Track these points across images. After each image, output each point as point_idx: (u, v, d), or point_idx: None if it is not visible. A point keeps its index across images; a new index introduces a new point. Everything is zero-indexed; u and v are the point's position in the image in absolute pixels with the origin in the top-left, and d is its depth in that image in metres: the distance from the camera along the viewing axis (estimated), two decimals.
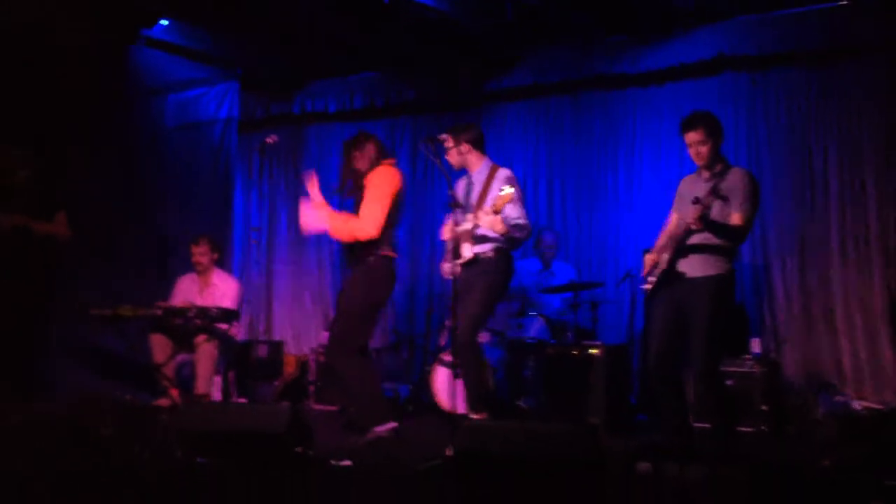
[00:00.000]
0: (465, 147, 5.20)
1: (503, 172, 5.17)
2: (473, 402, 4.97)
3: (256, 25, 7.08)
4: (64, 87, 6.57)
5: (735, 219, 4.51)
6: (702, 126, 4.61)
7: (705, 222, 4.39)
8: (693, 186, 4.72)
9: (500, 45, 7.49)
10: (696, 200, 4.37)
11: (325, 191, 5.28)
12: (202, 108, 8.07)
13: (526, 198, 7.84)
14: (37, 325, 5.94)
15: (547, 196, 7.82)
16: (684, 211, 4.66)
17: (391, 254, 5.11)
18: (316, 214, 5.11)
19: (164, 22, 7.08)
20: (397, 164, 8.27)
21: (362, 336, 5.16)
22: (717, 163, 4.66)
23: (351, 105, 8.44)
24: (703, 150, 4.61)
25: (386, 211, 4.98)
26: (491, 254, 5.06)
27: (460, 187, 5.25)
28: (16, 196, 5.99)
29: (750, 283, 6.82)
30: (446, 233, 5.19)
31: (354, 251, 5.07)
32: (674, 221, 4.88)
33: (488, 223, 4.87)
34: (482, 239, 5.04)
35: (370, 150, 5.13)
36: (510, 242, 5.10)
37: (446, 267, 5.22)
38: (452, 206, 4.86)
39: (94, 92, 6.86)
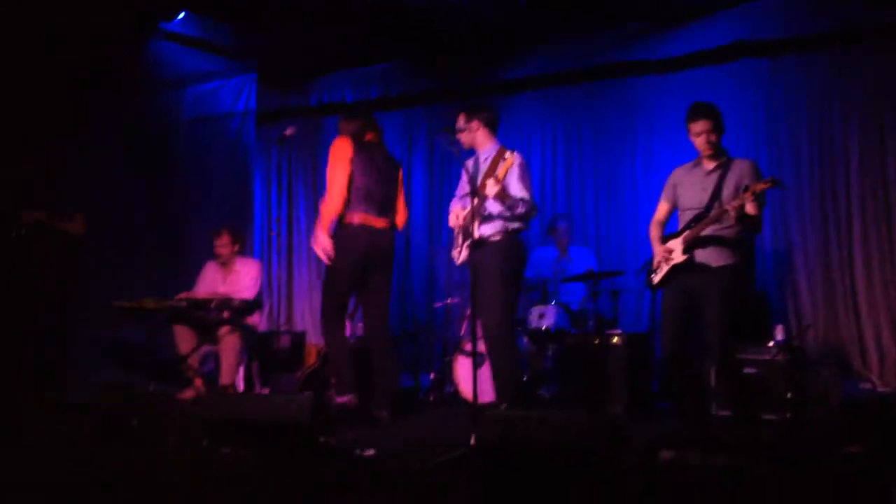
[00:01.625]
0: (475, 125, 5.17)
1: (508, 153, 5.15)
2: (502, 395, 4.95)
3: (273, 17, 7.08)
4: (84, 81, 6.61)
5: (749, 209, 4.51)
6: (713, 115, 4.61)
7: (740, 213, 4.38)
8: (691, 176, 4.71)
9: (515, 33, 7.47)
10: (747, 188, 4.36)
11: None
12: (219, 100, 8.10)
13: (544, 187, 7.86)
14: (59, 318, 6.00)
15: (565, 185, 7.81)
16: (687, 200, 4.66)
17: (356, 219, 5.17)
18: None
19: (182, 14, 7.10)
20: (412, 154, 8.45)
21: (336, 302, 5.23)
22: (722, 154, 4.66)
23: (367, 96, 8.44)
24: (713, 138, 4.61)
25: (341, 180, 5.13)
26: (498, 237, 5.00)
27: (467, 169, 5.22)
28: (37, 195, 6.07)
29: (772, 270, 6.79)
30: (454, 220, 5.17)
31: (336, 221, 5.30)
32: (663, 210, 4.87)
33: (493, 193, 4.82)
34: (489, 218, 5.00)
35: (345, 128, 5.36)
36: (517, 220, 5.05)
37: (455, 254, 5.19)
38: (472, 194, 4.84)
39: (113, 86, 6.89)
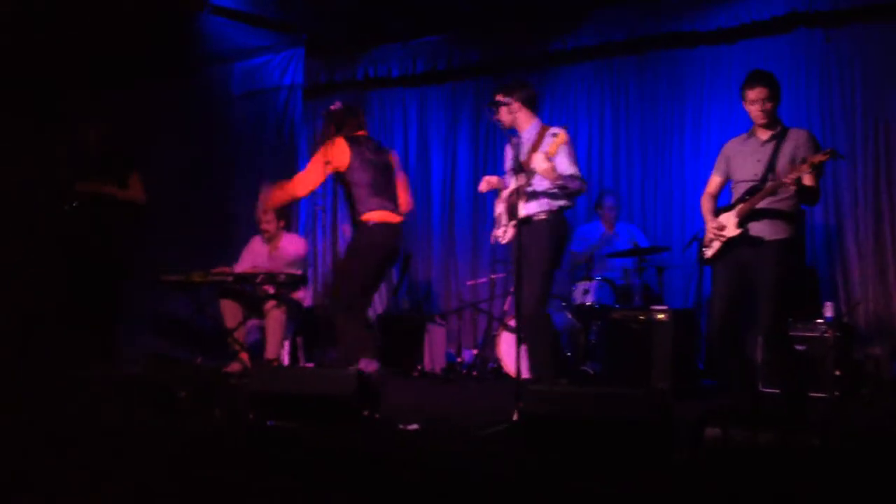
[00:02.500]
0: (515, 105, 5.03)
1: (552, 130, 5.08)
2: (538, 373, 4.92)
3: None
4: (133, 55, 6.67)
5: (807, 180, 4.42)
6: (771, 83, 4.52)
7: (798, 185, 4.31)
8: (745, 148, 4.62)
9: (565, 4, 7.38)
10: (804, 160, 4.28)
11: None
12: (267, 75, 8.13)
13: (590, 160, 7.78)
14: (115, 289, 6.11)
15: (612, 158, 7.72)
16: (741, 172, 4.59)
17: (376, 217, 5.06)
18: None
19: None
20: (457, 128, 8.42)
21: (351, 298, 5.06)
22: (777, 124, 4.57)
23: (413, 70, 8.42)
24: (769, 106, 4.52)
25: (315, 176, 5.10)
26: (544, 216, 4.94)
27: (514, 145, 5.16)
28: (92, 161, 6.17)
29: (822, 246, 6.67)
30: (485, 186, 5.13)
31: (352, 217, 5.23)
32: (715, 184, 4.79)
33: (542, 169, 4.74)
34: (535, 195, 4.94)
35: (331, 129, 5.20)
36: (564, 196, 4.98)
37: (499, 233, 5.14)
38: (516, 171, 4.80)
39: (162, 60, 6.95)
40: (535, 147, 4.97)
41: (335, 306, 5.11)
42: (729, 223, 4.56)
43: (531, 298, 4.86)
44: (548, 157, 4.73)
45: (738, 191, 4.61)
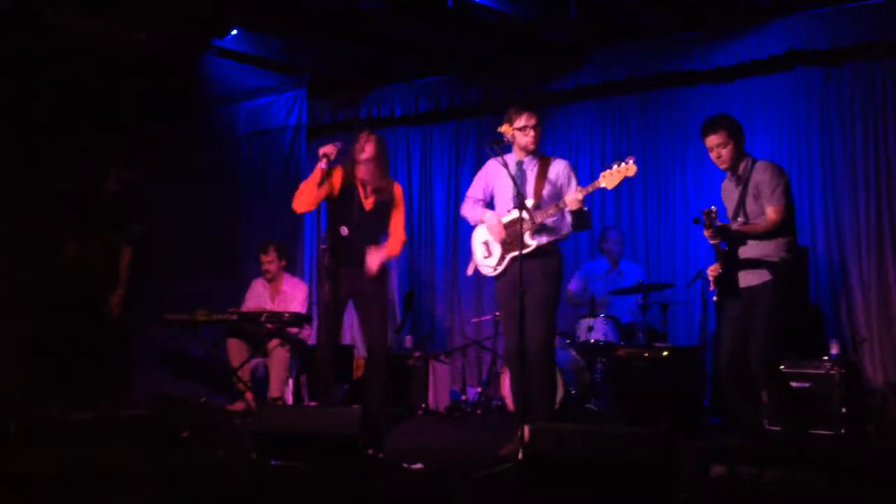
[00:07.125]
0: (538, 125, 5.04)
1: (560, 161, 5.06)
2: (543, 408, 4.90)
3: (324, 32, 7.17)
4: (138, 97, 6.75)
5: (770, 213, 4.49)
6: (722, 128, 4.57)
7: (721, 233, 4.51)
8: (727, 188, 4.76)
9: (566, 44, 7.46)
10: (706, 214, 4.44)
11: None
12: (272, 115, 8.20)
13: (593, 197, 7.80)
14: (117, 329, 6.13)
15: (615, 196, 7.74)
16: (727, 210, 4.76)
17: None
18: None
19: (234, 31, 7.21)
20: (461, 167, 8.48)
21: None
22: (741, 161, 4.61)
23: (416, 109, 8.48)
24: (724, 152, 4.58)
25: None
26: (550, 248, 4.93)
27: (501, 176, 5.04)
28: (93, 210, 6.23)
29: (826, 283, 6.66)
30: (501, 232, 4.99)
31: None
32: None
33: (576, 208, 4.75)
34: (543, 227, 4.93)
35: None
36: (574, 229, 5.02)
37: (487, 264, 5.09)
38: (520, 207, 4.81)
39: (167, 102, 7.02)
40: (541, 177, 4.94)
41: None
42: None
43: (542, 332, 4.83)
44: (585, 194, 4.74)
45: None
